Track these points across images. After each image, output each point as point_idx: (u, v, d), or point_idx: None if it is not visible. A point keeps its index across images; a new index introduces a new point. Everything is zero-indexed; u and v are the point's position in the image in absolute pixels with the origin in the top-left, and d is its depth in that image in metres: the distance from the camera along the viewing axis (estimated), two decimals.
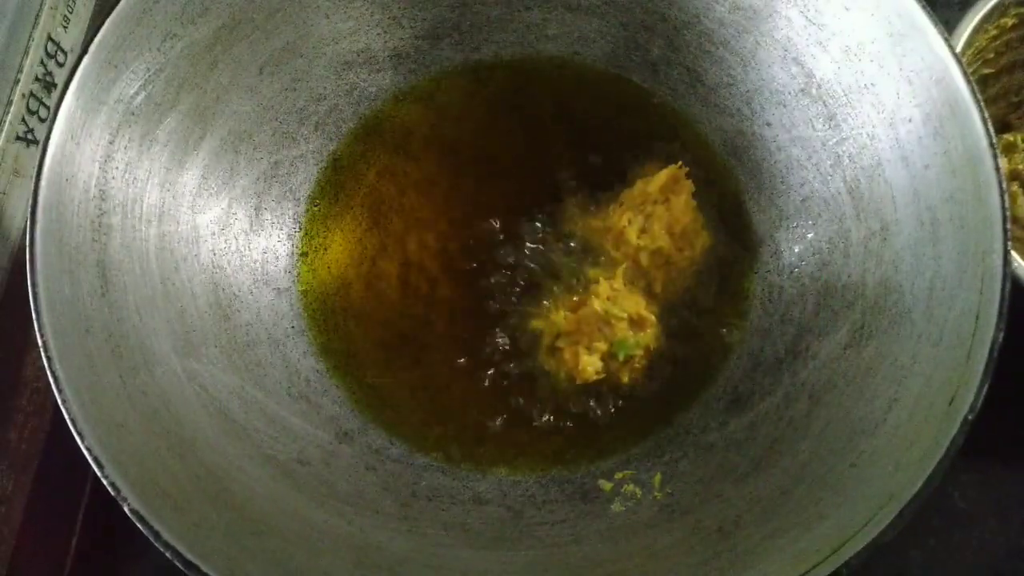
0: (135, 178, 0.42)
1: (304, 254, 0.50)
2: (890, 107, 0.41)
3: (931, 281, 0.37)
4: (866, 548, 0.32)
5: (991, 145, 0.36)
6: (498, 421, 0.46)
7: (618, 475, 0.44)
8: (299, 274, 0.50)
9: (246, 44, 0.46)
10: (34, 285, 0.36)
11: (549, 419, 0.46)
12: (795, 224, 0.47)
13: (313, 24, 0.48)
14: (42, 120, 0.52)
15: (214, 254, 0.46)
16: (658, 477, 0.43)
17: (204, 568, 0.32)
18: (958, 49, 0.45)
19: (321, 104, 0.51)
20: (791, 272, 0.46)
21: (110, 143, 0.41)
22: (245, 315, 0.46)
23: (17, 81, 0.50)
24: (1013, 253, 0.38)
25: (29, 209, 0.37)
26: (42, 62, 0.52)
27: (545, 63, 0.53)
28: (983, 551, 0.47)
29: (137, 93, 0.42)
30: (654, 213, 0.47)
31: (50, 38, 0.53)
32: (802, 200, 0.46)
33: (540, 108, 0.53)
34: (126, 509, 0.33)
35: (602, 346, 0.45)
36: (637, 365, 0.45)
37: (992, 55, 0.49)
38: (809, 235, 0.46)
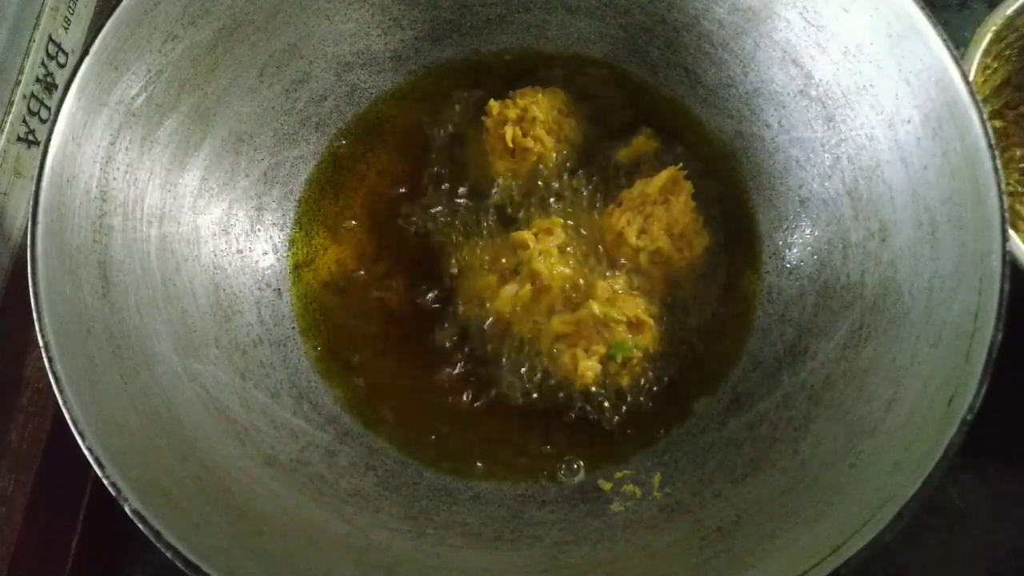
0: (136, 179, 0.42)
1: (305, 255, 0.50)
2: (889, 108, 0.41)
3: (930, 282, 0.37)
4: (865, 548, 0.32)
5: (990, 146, 0.36)
6: (497, 421, 0.46)
7: (618, 475, 0.44)
8: (300, 275, 0.50)
9: (247, 46, 0.46)
10: (35, 286, 0.36)
11: (548, 420, 0.46)
12: (794, 225, 0.47)
13: (314, 26, 0.48)
14: (43, 121, 0.52)
15: (215, 255, 0.46)
16: (658, 477, 0.43)
17: (205, 568, 0.32)
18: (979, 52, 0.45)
19: (322, 105, 0.51)
20: (790, 273, 0.46)
21: (111, 144, 0.41)
22: (246, 316, 0.46)
23: (18, 82, 0.50)
24: (1012, 252, 0.38)
25: (30, 210, 0.37)
26: (43, 63, 0.52)
27: (544, 64, 0.53)
28: (982, 551, 0.47)
29: (138, 94, 0.42)
30: (653, 214, 0.47)
31: (51, 39, 0.53)
32: (801, 201, 0.46)
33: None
34: (127, 509, 0.33)
35: (600, 349, 0.45)
36: (636, 367, 0.45)
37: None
38: (808, 236, 0.46)
